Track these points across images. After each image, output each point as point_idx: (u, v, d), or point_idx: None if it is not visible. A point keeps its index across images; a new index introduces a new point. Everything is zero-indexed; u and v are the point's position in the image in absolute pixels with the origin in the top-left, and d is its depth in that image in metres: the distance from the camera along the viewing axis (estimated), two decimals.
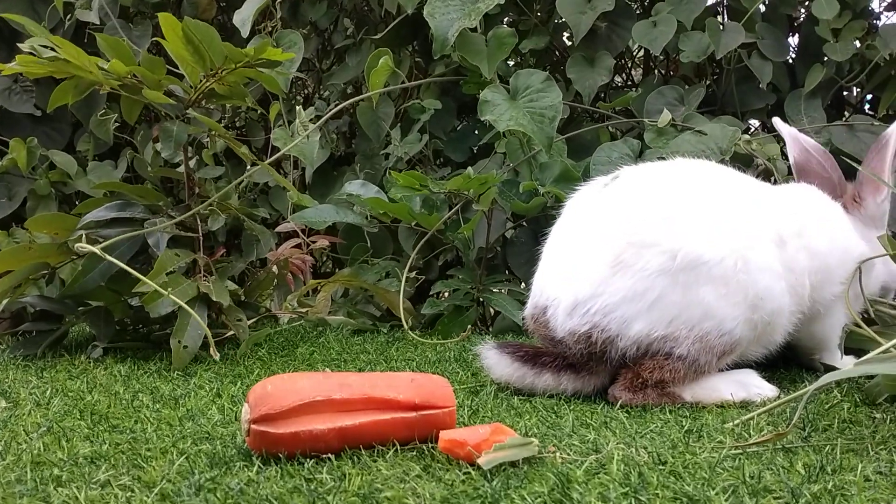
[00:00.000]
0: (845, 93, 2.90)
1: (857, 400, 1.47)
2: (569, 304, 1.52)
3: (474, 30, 2.51)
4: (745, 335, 1.51)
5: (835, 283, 1.68)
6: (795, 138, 1.95)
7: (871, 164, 1.83)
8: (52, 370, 1.90)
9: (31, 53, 1.88)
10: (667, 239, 1.49)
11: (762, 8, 2.72)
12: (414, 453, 1.19)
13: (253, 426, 1.16)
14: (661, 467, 1.11)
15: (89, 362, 1.99)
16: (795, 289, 1.60)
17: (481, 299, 2.42)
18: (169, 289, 1.87)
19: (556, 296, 1.55)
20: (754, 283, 1.50)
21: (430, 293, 2.53)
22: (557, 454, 1.17)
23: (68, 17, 3.23)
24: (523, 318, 1.73)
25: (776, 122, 2.06)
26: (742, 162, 2.34)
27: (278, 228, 2.75)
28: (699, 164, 1.74)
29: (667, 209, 1.54)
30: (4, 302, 2.10)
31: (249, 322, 2.29)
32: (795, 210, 1.69)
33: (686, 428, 1.33)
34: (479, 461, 1.09)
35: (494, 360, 1.62)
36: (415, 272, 2.61)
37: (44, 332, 2.16)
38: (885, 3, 2.86)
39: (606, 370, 1.55)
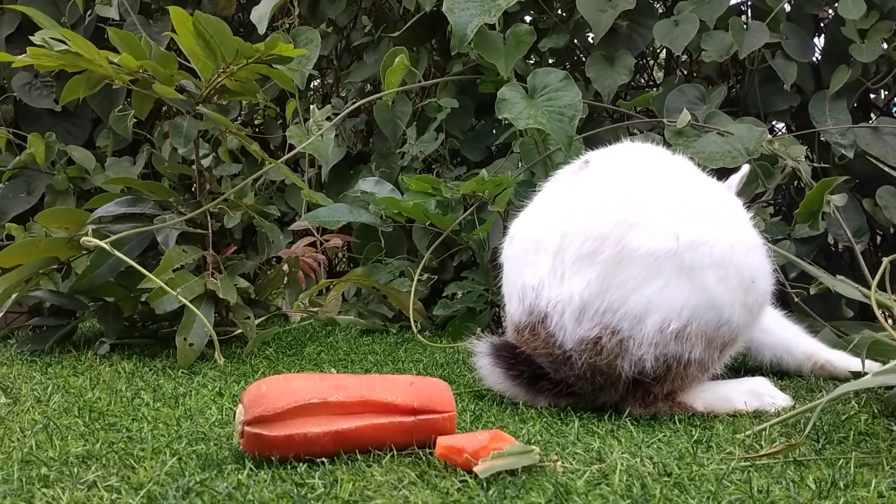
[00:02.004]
0: (872, 95, 2.83)
1: (876, 411, 1.42)
2: (577, 307, 1.38)
3: (493, 27, 2.47)
4: (742, 321, 1.43)
5: None
6: None
7: None
8: (57, 366, 1.88)
9: (41, 46, 1.87)
10: (667, 219, 1.39)
11: (787, 7, 2.66)
12: (411, 459, 1.15)
13: (246, 428, 1.14)
14: (665, 479, 1.07)
15: (96, 358, 1.97)
16: None
17: (495, 302, 2.38)
18: (174, 286, 1.86)
19: (559, 298, 1.40)
20: (748, 265, 1.43)
21: (443, 294, 2.49)
22: (559, 463, 1.13)
23: (88, 12, 3.23)
24: (503, 330, 1.58)
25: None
26: (769, 162, 2.28)
27: (292, 226, 2.73)
28: (650, 146, 1.66)
29: (657, 190, 1.45)
30: (14, 296, 2.09)
31: (260, 320, 2.28)
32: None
33: (695, 438, 1.28)
34: (476, 469, 1.05)
35: (487, 371, 1.52)
36: (427, 274, 2.57)
37: (54, 328, 2.15)
38: None
39: (615, 393, 1.44)
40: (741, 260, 1.42)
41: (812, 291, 2.17)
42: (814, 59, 2.66)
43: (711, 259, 1.38)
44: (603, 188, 1.47)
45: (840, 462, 1.14)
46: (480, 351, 1.54)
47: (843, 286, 1.97)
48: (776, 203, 2.66)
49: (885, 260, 1.62)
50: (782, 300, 2.24)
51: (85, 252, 2.06)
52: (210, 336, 1.88)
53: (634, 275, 1.36)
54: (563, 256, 1.42)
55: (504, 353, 1.51)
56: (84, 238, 1.87)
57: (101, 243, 1.85)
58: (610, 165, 1.55)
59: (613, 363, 1.39)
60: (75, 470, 1.10)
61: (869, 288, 1.73)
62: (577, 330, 1.39)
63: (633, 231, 1.37)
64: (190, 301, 1.88)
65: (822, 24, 2.80)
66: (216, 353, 1.87)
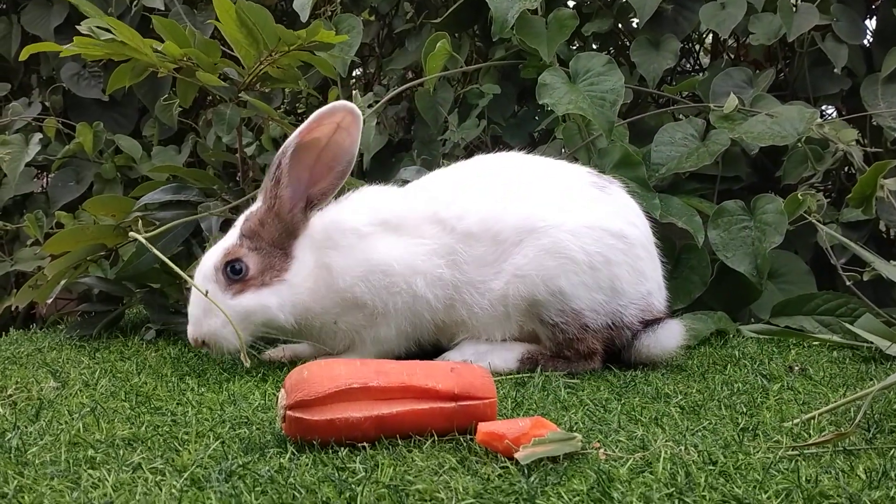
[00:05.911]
0: None
1: None
2: None
3: (535, 12, 2.45)
4: None
5: None
6: None
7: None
8: (104, 351, 1.91)
9: (88, 35, 1.89)
10: None
11: None
12: (451, 445, 1.15)
13: (288, 412, 1.14)
14: (710, 467, 1.05)
15: (142, 344, 2.00)
16: None
17: None
18: None
19: None
20: None
21: None
22: (601, 451, 1.12)
23: (134, 2, 3.26)
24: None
25: None
26: (819, 145, 2.24)
27: None
28: None
29: None
30: (63, 282, 2.13)
31: None
32: None
33: (741, 426, 1.26)
34: (517, 455, 1.04)
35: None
36: None
37: (101, 313, 2.18)
38: None
39: None
40: None
41: (865, 277, 2.12)
42: (865, 41, 2.59)
43: None
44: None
45: (891, 451, 1.11)
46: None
47: None
48: (826, 188, 2.60)
49: None
50: (831, 283, 2.19)
51: (131, 239, 2.09)
52: None
53: None
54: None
55: None
56: (130, 233, 1.88)
57: (140, 237, 1.83)
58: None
59: None
60: (121, 452, 1.11)
61: None
62: None
63: None
64: None
65: (873, 6, 2.73)
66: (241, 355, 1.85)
